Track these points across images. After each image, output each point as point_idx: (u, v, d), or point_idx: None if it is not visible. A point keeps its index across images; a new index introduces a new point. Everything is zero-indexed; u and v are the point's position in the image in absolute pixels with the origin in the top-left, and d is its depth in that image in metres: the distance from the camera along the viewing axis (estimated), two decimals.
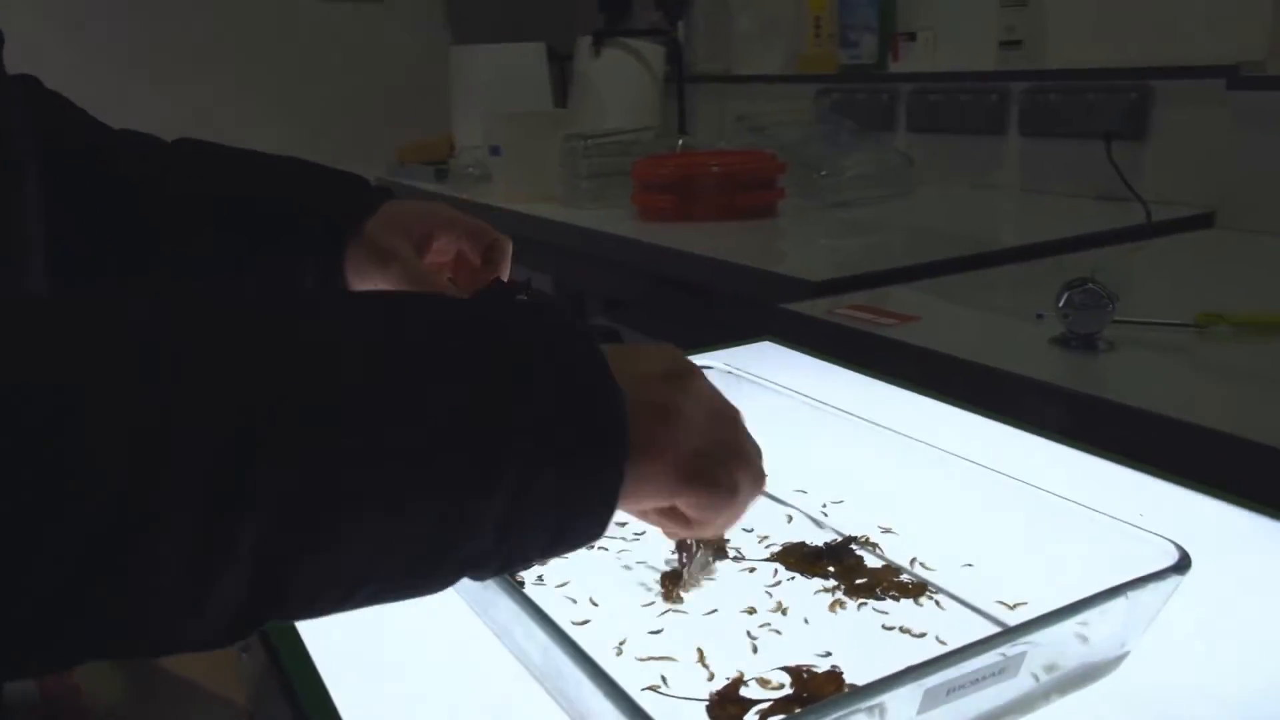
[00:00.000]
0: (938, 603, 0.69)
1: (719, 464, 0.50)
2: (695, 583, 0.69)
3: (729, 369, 0.92)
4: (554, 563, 0.73)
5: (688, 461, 0.48)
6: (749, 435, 0.55)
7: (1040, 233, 1.79)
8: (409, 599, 0.42)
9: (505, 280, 0.82)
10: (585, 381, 0.43)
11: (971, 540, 0.71)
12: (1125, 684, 0.60)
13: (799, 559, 0.72)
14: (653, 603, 0.68)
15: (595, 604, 0.68)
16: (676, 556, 0.70)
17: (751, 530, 0.78)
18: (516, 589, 0.56)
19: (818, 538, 0.76)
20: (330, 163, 0.83)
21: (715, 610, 0.67)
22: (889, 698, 0.47)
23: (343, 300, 0.46)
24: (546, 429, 0.41)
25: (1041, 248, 1.72)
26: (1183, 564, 0.58)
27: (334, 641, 0.64)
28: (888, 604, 0.69)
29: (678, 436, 0.48)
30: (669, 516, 0.53)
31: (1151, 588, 0.57)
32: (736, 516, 0.54)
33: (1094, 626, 0.56)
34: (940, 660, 0.49)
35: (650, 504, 0.49)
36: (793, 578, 0.71)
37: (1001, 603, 0.67)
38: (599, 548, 0.75)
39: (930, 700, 0.50)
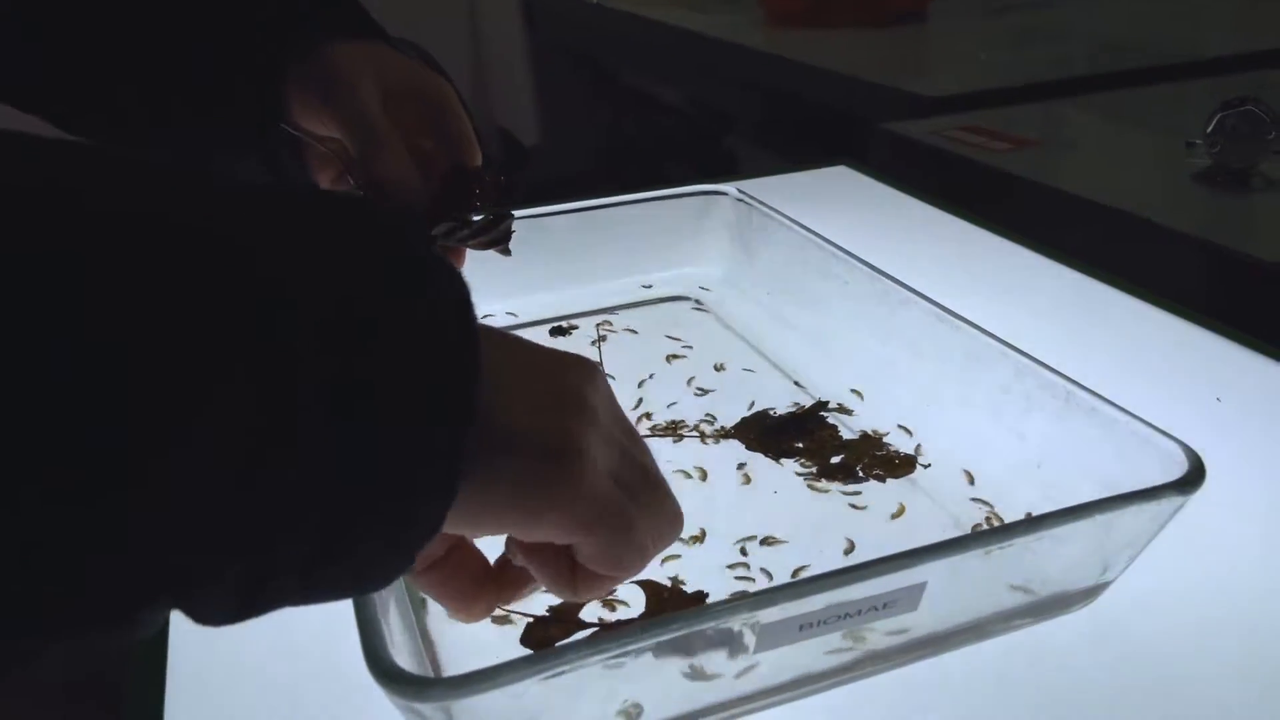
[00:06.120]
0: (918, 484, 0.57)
1: (632, 497, 0.33)
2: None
3: (741, 196, 0.79)
4: None
5: (603, 491, 0.32)
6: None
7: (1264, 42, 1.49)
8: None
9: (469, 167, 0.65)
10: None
11: (961, 427, 0.58)
12: (1094, 615, 0.48)
13: (760, 434, 0.61)
14: None
15: None
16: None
17: (702, 397, 0.67)
18: None
19: (787, 402, 0.65)
20: None
21: None
22: (699, 631, 0.37)
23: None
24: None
25: (1253, 59, 1.44)
26: (1188, 480, 0.44)
27: None
28: (871, 486, 0.57)
29: (593, 444, 0.32)
30: (546, 562, 0.34)
31: (1136, 508, 0.43)
32: (641, 567, 0.35)
33: (1048, 552, 0.44)
34: (781, 591, 0.38)
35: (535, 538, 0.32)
36: (744, 470, 0.60)
37: (979, 500, 0.55)
38: None
39: (775, 636, 0.39)
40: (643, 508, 0.33)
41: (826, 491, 0.57)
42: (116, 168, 0.25)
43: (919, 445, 0.60)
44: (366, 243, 0.26)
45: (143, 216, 0.22)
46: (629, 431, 0.35)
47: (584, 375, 0.33)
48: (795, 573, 0.51)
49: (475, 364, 0.27)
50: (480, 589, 0.36)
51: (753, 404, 0.65)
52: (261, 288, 0.23)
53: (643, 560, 0.34)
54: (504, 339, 0.32)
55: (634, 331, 0.76)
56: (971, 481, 0.56)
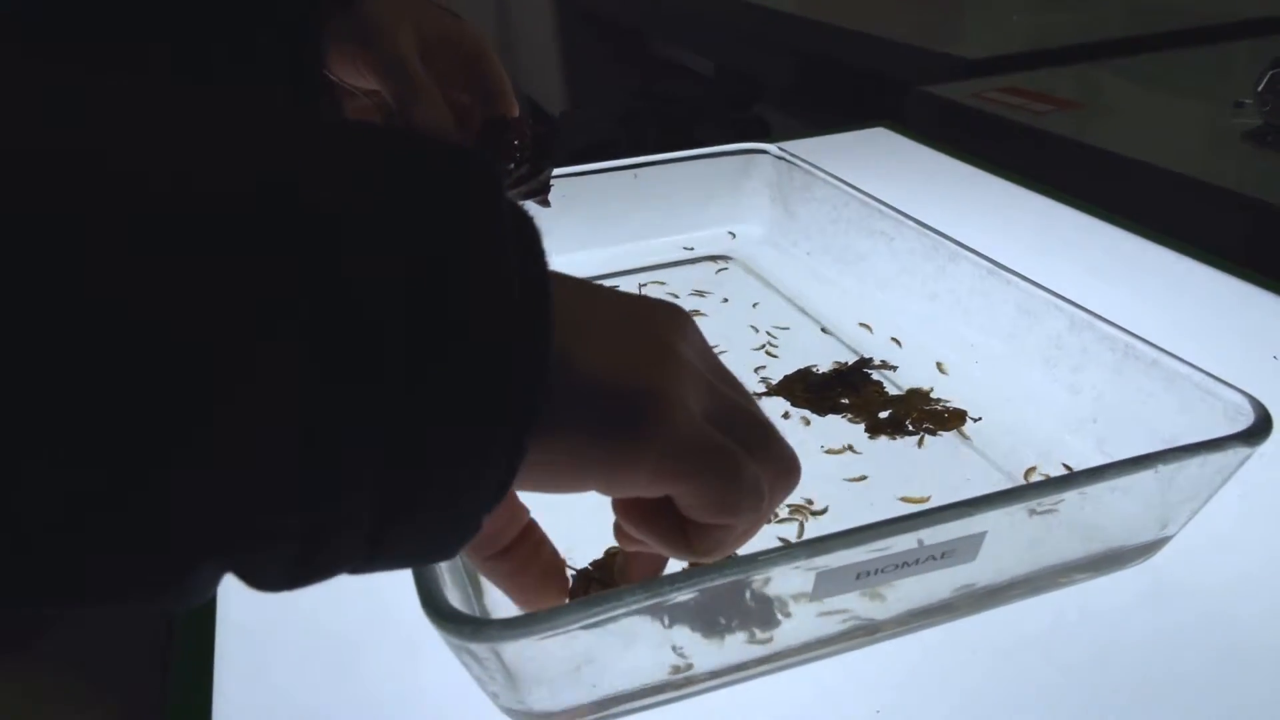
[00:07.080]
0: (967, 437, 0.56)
1: (737, 441, 0.30)
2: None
3: (782, 154, 0.78)
4: None
5: (696, 433, 0.29)
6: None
7: None
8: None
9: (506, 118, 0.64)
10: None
11: (1013, 382, 0.57)
12: (1152, 572, 0.47)
13: (804, 391, 0.60)
14: None
15: None
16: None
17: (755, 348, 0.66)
18: None
19: (830, 360, 0.63)
20: None
21: None
22: (761, 577, 0.37)
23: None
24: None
25: None
26: (1255, 431, 0.43)
27: None
28: (921, 438, 0.56)
29: (681, 388, 0.29)
30: (652, 522, 0.32)
31: (1200, 459, 0.42)
32: (758, 508, 0.31)
33: (1108, 505, 0.43)
34: (840, 538, 0.37)
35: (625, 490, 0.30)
36: (803, 417, 0.59)
37: (1031, 453, 0.54)
38: None
39: (832, 584, 0.38)
40: (751, 451, 0.31)
41: (875, 443, 0.56)
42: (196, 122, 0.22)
43: (968, 399, 0.59)
44: (433, 188, 0.23)
45: (155, 183, 0.20)
46: (728, 379, 0.33)
47: (671, 322, 0.31)
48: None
49: (546, 313, 0.25)
50: (548, 586, 0.35)
51: (796, 361, 0.64)
52: (315, 245, 0.21)
53: (758, 499, 0.30)
54: (581, 286, 0.30)
55: (674, 294, 0.75)
56: (1022, 434, 0.55)
